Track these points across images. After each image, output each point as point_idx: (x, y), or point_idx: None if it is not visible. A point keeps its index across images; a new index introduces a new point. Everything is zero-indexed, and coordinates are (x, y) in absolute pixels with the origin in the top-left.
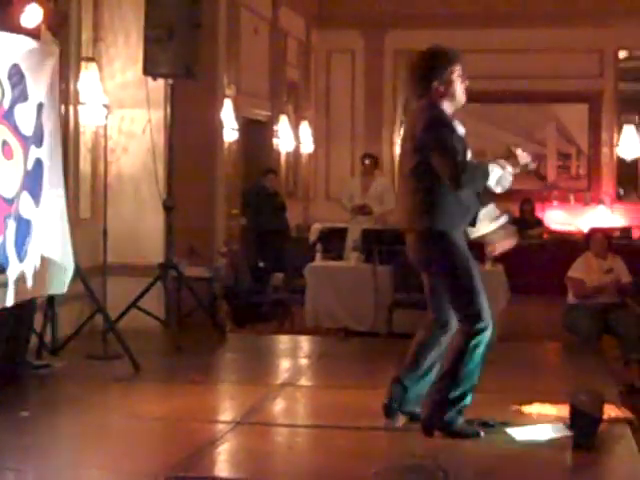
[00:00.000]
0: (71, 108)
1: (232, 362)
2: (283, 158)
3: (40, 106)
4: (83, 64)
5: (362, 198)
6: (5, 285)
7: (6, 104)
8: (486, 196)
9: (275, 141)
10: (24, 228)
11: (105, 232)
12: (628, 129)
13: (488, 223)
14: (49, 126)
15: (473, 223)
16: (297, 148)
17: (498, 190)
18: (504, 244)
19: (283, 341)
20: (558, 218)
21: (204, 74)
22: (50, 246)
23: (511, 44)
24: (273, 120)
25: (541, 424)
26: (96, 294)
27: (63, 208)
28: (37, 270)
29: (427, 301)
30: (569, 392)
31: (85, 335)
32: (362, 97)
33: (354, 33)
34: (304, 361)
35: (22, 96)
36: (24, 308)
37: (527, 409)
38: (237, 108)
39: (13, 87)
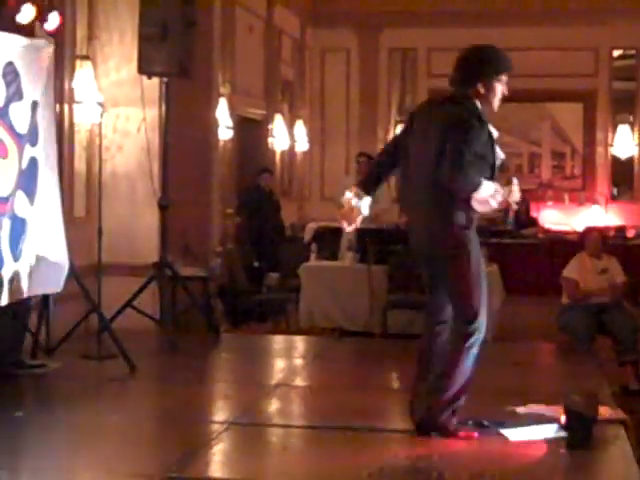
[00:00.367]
0: (66, 106)
1: (227, 362)
2: (278, 157)
3: (35, 104)
4: (78, 62)
5: None
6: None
7: (1, 103)
8: None
9: (270, 140)
10: (19, 227)
11: (100, 231)
12: (623, 128)
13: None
14: (44, 124)
15: None
16: (292, 147)
17: (479, 207)
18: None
19: (278, 341)
20: (553, 218)
21: (199, 73)
22: (45, 245)
23: (506, 43)
24: (268, 119)
25: (535, 425)
26: (91, 293)
27: (58, 207)
28: (32, 269)
29: (427, 300)
30: (563, 393)
31: (80, 335)
32: (357, 96)
33: (349, 32)
34: (299, 361)
35: (17, 94)
36: (19, 308)
37: (521, 410)
38: (232, 107)
39: (8, 85)
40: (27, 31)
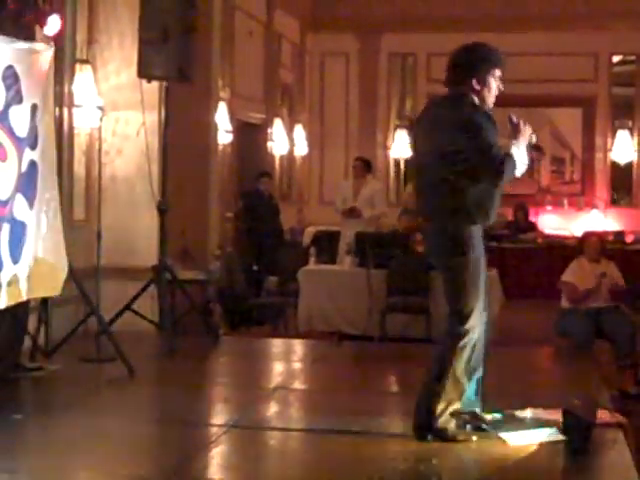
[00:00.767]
0: (65, 110)
1: (225, 365)
2: (277, 161)
3: (34, 108)
4: (78, 66)
5: (353, 201)
6: None
7: (0, 106)
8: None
9: (269, 144)
10: (18, 230)
11: (99, 234)
12: (622, 134)
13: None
14: (43, 128)
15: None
16: (291, 151)
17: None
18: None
19: (277, 344)
20: (552, 223)
21: (199, 77)
22: (44, 248)
23: (506, 48)
24: (267, 123)
25: (534, 428)
26: (90, 296)
27: (57, 210)
28: (31, 272)
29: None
30: (562, 397)
31: (78, 338)
32: (356, 100)
33: (348, 36)
34: (297, 364)
35: (16, 98)
36: (18, 310)
37: (520, 413)
38: (231, 111)
39: (7, 89)
40: (27, 35)
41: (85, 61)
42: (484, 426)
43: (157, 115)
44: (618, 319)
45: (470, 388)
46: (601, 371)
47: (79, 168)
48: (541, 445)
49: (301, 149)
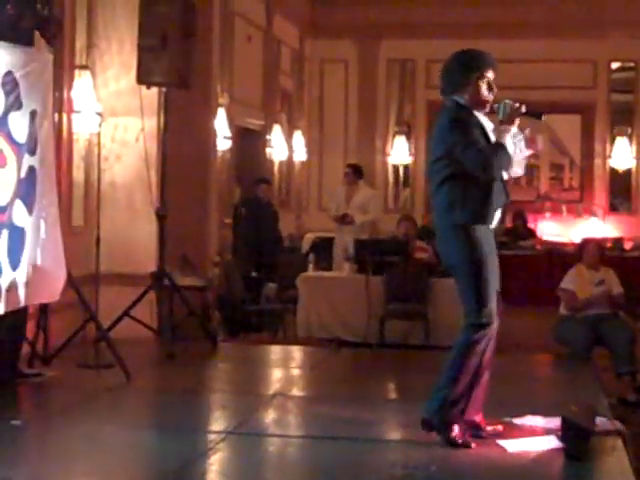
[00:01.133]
0: (65, 116)
1: (224, 372)
2: (276, 167)
3: (34, 114)
4: (77, 72)
5: (346, 208)
6: None
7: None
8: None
9: (268, 150)
10: (17, 236)
11: (98, 240)
12: (621, 141)
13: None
14: (42, 134)
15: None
16: (290, 157)
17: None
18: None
19: (275, 351)
20: (550, 230)
21: (198, 83)
22: (42, 254)
23: (505, 54)
24: (266, 129)
25: (533, 436)
26: (88, 303)
27: (56, 216)
28: (29, 278)
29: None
30: (561, 404)
31: (77, 344)
32: (355, 107)
33: (348, 42)
34: (296, 371)
35: (16, 104)
36: (16, 316)
37: (518, 421)
38: (230, 117)
39: (7, 95)
40: (26, 41)
41: (84, 67)
42: (483, 434)
43: (156, 121)
44: (617, 326)
45: (474, 393)
46: (600, 378)
47: (78, 174)
48: (540, 452)
49: (300, 155)
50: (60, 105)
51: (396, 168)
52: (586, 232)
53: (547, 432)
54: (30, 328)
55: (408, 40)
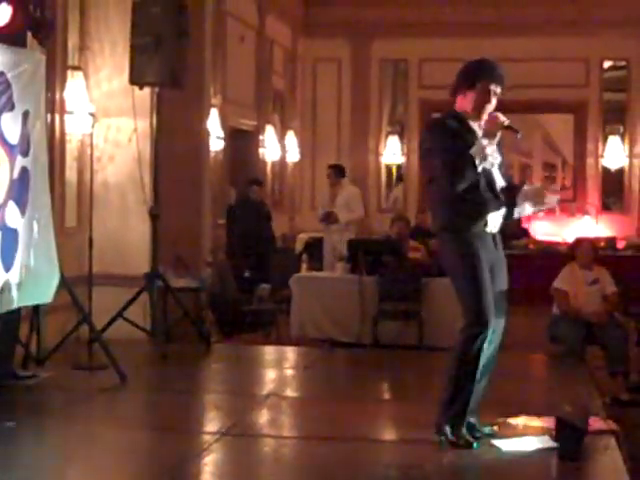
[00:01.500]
0: (57, 117)
1: (218, 372)
2: (269, 168)
3: (26, 115)
4: (69, 73)
5: (331, 207)
6: None
7: None
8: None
9: (261, 151)
10: (10, 237)
11: (91, 241)
12: (613, 139)
13: (532, 206)
14: (35, 135)
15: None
16: (283, 158)
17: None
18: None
19: (269, 352)
20: (544, 229)
21: (190, 83)
22: (35, 255)
23: (497, 53)
24: (259, 129)
25: (527, 435)
26: (82, 304)
27: (49, 217)
28: (22, 280)
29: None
30: (554, 403)
31: (71, 345)
32: (348, 106)
33: (340, 42)
34: (290, 372)
35: (8, 105)
36: (9, 318)
37: (513, 420)
38: (223, 117)
39: None
40: (19, 41)
41: (77, 68)
42: (477, 434)
43: (149, 122)
44: (610, 326)
45: (474, 394)
46: (593, 378)
47: (71, 175)
48: (534, 452)
49: (293, 156)
50: (53, 106)
51: (389, 168)
52: (579, 231)
53: (541, 432)
54: (23, 330)
55: (401, 40)
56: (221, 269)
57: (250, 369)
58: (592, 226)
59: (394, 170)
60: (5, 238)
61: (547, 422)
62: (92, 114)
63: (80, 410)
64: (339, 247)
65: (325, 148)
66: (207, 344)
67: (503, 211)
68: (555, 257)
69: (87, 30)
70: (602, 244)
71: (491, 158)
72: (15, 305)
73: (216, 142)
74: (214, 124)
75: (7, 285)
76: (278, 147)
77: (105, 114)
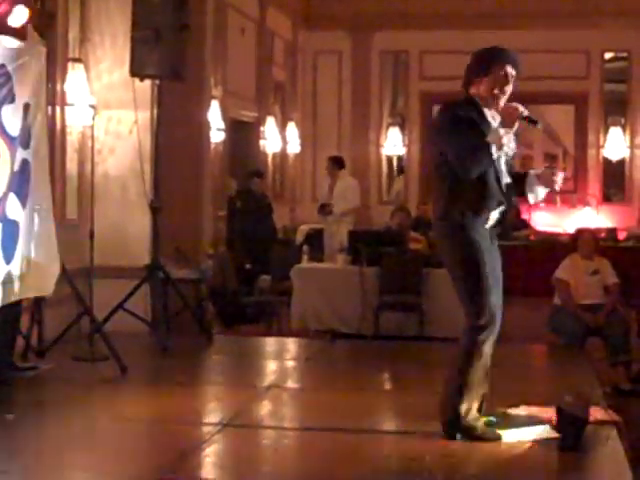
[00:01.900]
0: (58, 109)
1: (219, 364)
2: (270, 159)
3: (27, 107)
4: (70, 65)
5: (329, 199)
6: None
7: None
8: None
9: (262, 142)
10: (11, 229)
11: (92, 233)
12: (614, 131)
13: (545, 188)
14: (36, 127)
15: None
16: (284, 149)
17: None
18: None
19: (270, 343)
20: (545, 220)
21: (191, 75)
22: (36, 248)
23: (498, 45)
24: (260, 121)
25: (528, 426)
26: (83, 296)
27: (49, 209)
28: (23, 272)
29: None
30: (555, 394)
31: (72, 337)
32: (349, 98)
33: (341, 34)
34: (291, 363)
35: (9, 97)
36: (10, 310)
37: (514, 411)
38: (224, 109)
39: (0, 88)
40: (19, 34)
41: (77, 60)
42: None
43: (149, 114)
44: (611, 316)
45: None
46: (594, 368)
47: (71, 167)
48: (534, 442)
49: (294, 147)
50: (53, 98)
51: (390, 159)
52: (580, 222)
53: (542, 422)
54: (24, 322)
55: (401, 31)
56: (222, 261)
57: (251, 361)
58: (593, 217)
59: (395, 162)
60: (6, 230)
61: (548, 412)
62: (93, 106)
63: (81, 402)
64: (337, 238)
65: (326, 140)
66: (208, 336)
67: (503, 208)
68: (556, 248)
69: (88, 22)
70: (603, 235)
71: (506, 147)
72: (16, 297)
73: (217, 134)
74: (215, 116)
75: (8, 277)
76: (279, 139)
77: (106, 106)
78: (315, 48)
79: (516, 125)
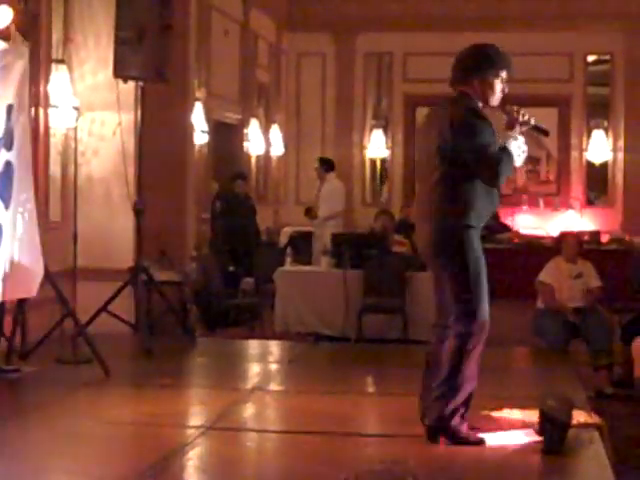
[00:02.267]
0: (41, 110)
1: (202, 366)
2: (253, 161)
3: (10, 108)
4: (53, 66)
5: (316, 201)
6: None
7: None
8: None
9: (245, 144)
10: None
11: (75, 235)
12: (597, 133)
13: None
14: (19, 129)
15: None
16: (267, 151)
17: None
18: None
19: (253, 346)
20: (528, 223)
21: (174, 77)
22: (20, 249)
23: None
24: (243, 123)
25: (510, 429)
26: (66, 298)
27: (33, 211)
28: (6, 274)
29: (436, 305)
30: (538, 397)
31: (55, 339)
32: (333, 100)
33: (325, 36)
34: (274, 366)
35: None
36: None
37: (496, 414)
38: (207, 111)
39: None
40: (2, 35)
41: (61, 61)
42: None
43: (133, 115)
44: (594, 319)
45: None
46: (577, 371)
47: (55, 169)
48: (517, 446)
49: (277, 149)
50: (36, 99)
51: (373, 162)
52: (563, 225)
53: (525, 425)
54: (7, 324)
55: (385, 33)
56: (205, 263)
57: (234, 363)
58: (576, 220)
59: (379, 164)
60: None
61: (531, 416)
62: (76, 108)
63: (64, 404)
64: (323, 241)
65: (309, 142)
66: (191, 338)
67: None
68: (540, 251)
69: (71, 23)
70: (586, 238)
71: (523, 155)
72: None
73: (200, 136)
74: (198, 118)
75: None
76: (262, 141)
77: (89, 108)
78: (299, 50)
79: (517, 129)
